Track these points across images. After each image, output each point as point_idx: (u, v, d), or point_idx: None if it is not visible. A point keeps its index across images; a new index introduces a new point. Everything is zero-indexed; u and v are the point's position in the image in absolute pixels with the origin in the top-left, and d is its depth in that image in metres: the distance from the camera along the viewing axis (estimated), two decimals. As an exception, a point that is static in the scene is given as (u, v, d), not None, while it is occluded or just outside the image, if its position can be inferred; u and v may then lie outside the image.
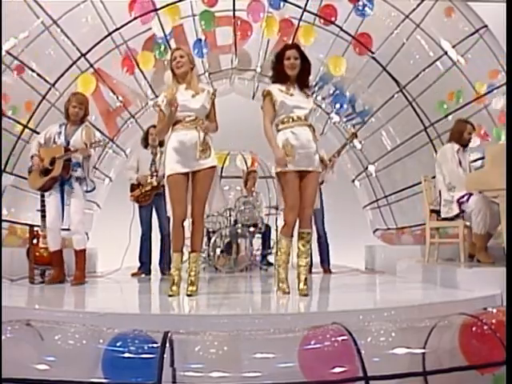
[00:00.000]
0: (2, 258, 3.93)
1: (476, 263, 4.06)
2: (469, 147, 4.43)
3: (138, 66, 5.42)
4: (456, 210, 4.14)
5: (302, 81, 3.36)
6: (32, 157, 4.08)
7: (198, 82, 3.49)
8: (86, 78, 5.23)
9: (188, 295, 3.24)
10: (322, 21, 5.39)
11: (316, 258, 5.33)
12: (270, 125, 3.32)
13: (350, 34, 5.41)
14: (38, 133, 5.00)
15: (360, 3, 5.16)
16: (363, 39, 5.42)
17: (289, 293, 3.25)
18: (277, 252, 3.57)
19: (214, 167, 3.34)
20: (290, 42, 5.46)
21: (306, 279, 3.31)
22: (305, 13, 5.32)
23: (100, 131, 5.54)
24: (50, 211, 4.04)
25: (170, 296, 3.23)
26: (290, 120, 3.27)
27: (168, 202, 3.34)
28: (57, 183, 4.01)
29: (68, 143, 4.03)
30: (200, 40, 5.48)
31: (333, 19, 5.36)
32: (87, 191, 4.13)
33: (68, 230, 4.18)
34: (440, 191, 4.32)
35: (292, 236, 3.34)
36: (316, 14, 5.34)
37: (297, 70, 3.30)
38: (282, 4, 5.27)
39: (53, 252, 4.08)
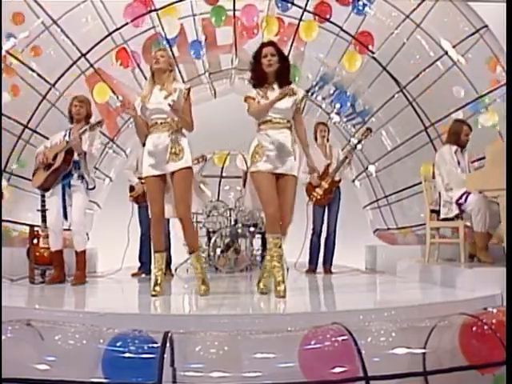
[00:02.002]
0: (2, 258, 3.93)
1: (476, 263, 4.06)
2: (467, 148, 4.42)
3: (135, 61, 5.40)
4: (455, 211, 4.14)
5: (282, 79, 3.29)
6: (37, 156, 4.10)
7: (175, 81, 3.46)
8: (102, 87, 5.28)
9: (201, 295, 3.28)
10: (317, 18, 5.38)
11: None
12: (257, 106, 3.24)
13: (349, 34, 5.41)
14: (38, 133, 5.02)
15: (360, 3, 5.16)
16: (363, 38, 5.41)
17: (284, 297, 3.16)
18: (264, 256, 3.37)
19: (188, 168, 3.34)
20: (290, 41, 5.48)
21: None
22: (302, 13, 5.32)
23: (100, 131, 5.54)
24: (52, 211, 4.04)
25: (153, 296, 3.26)
26: (265, 123, 3.26)
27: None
28: (59, 179, 4.00)
29: None
30: (198, 42, 5.48)
31: (332, 19, 5.35)
32: (88, 189, 4.12)
33: (69, 229, 4.18)
34: (440, 192, 4.32)
35: (279, 233, 3.22)
36: (316, 14, 5.33)
37: (274, 67, 3.24)
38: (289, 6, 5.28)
39: (54, 252, 4.08)
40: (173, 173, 3.32)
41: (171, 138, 3.28)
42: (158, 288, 3.30)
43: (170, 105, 3.20)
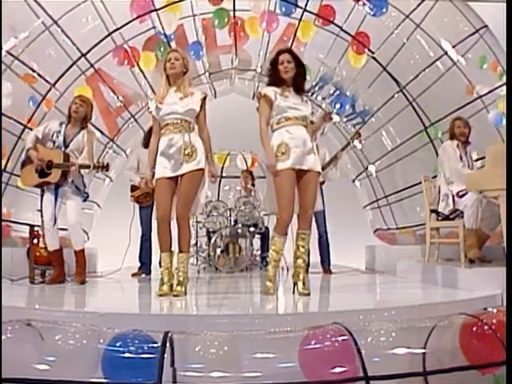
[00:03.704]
0: (2, 257, 3.93)
1: (476, 263, 4.05)
2: (470, 144, 4.42)
3: (137, 64, 5.42)
4: (451, 205, 4.14)
5: (297, 84, 3.38)
6: (28, 150, 4.02)
7: (190, 86, 3.48)
8: (84, 89, 5.26)
9: (174, 295, 3.22)
10: (321, 21, 5.38)
11: (316, 258, 5.32)
12: (265, 126, 3.34)
13: (349, 34, 5.41)
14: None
15: (369, 3, 5.14)
16: (361, 38, 5.41)
17: (273, 294, 3.24)
18: (268, 250, 3.53)
19: (201, 170, 3.31)
20: (291, 40, 5.49)
21: (304, 278, 3.30)
22: (304, 13, 5.32)
23: (100, 131, 5.55)
24: (45, 211, 4.01)
25: (161, 295, 3.24)
26: (285, 120, 3.29)
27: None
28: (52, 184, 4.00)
29: (66, 146, 4.02)
30: (198, 42, 5.48)
31: (332, 19, 5.35)
32: (83, 201, 4.15)
33: (66, 229, 4.17)
34: (439, 187, 4.33)
35: (286, 234, 3.30)
36: (316, 14, 5.33)
37: (291, 73, 3.33)
38: (293, 9, 5.29)
39: (52, 252, 4.08)
40: (183, 174, 3.29)
41: (184, 139, 3.26)
42: (164, 287, 3.28)
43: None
